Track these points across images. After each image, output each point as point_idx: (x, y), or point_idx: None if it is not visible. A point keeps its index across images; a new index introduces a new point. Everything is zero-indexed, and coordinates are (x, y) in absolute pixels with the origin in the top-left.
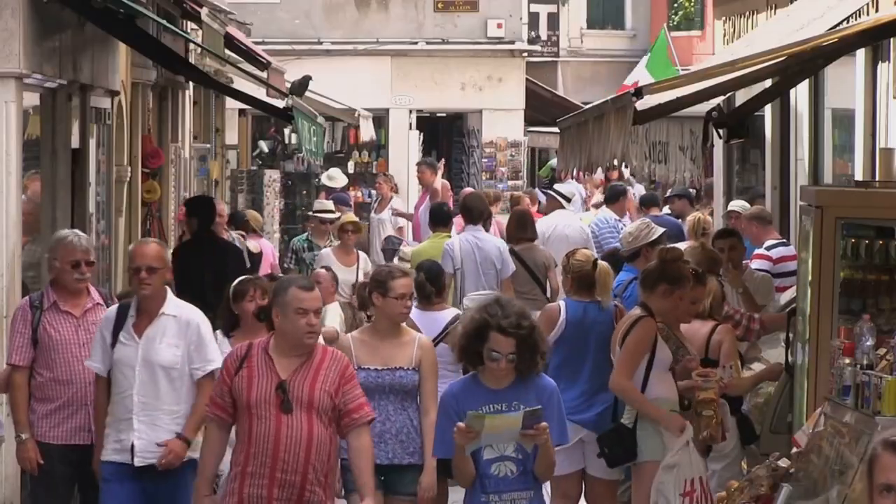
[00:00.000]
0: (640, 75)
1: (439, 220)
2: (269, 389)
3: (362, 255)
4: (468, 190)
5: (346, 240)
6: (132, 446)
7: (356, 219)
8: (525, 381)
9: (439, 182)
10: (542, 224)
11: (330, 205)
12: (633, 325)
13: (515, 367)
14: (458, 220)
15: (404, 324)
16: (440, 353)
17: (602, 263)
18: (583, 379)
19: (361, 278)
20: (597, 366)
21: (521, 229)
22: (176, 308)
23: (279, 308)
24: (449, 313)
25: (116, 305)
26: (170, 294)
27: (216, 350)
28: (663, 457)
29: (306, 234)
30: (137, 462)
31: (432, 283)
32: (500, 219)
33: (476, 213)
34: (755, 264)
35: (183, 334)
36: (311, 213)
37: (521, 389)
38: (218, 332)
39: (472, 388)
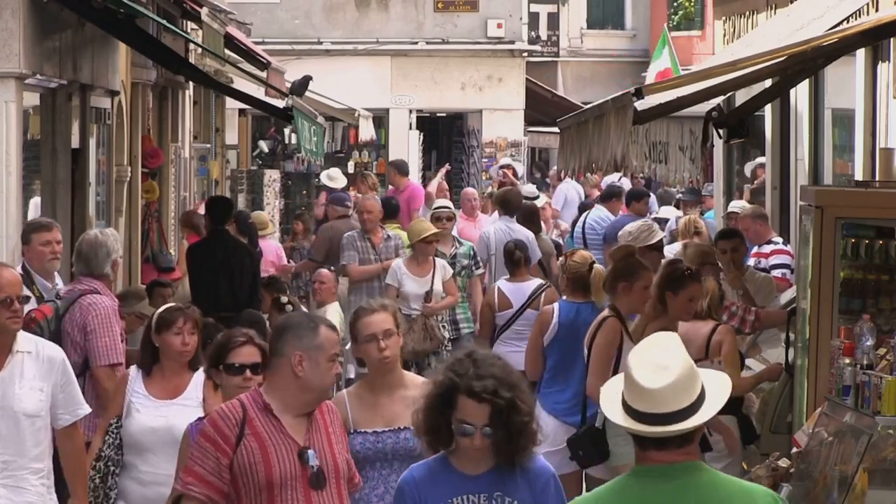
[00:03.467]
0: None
1: (389, 212)
2: (290, 461)
3: (439, 262)
4: (469, 190)
5: (424, 250)
6: None
7: (435, 228)
8: (511, 465)
9: (434, 185)
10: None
11: (448, 201)
12: (599, 328)
13: (494, 447)
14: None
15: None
16: (526, 317)
17: (598, 267)
18: (575, 381)
19: (438, 287)
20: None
21: (528, 222)
22: (29, 342)
23: (304, 352)
24: (534, 283)
25: None
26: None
27: (80, 392)
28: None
29: None
30: None
31: (521, 251)
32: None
33: (512, 206)
34: (779, 259)
35: (46, 374)
36: (433, 209)
37: (507, 476)
38: (132, 367)
39: (440, 474)
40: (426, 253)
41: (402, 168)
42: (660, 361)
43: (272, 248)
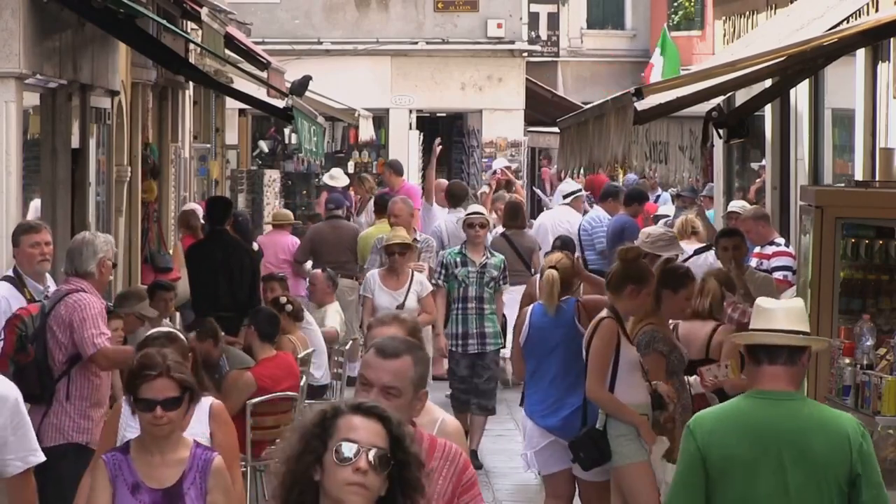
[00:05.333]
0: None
1: (382, 208)
2: None
3: (417, 276)
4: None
5: (393, 262)
6: None
7: (403, 238)
8: None
9: (431, 178)
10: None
11: (481, 207)
12: (596, 329)
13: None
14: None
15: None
16: None
17: (548, 272)
18: (549, 383)
19: (413, 303)
20: (562, 369)
21: (512, 218)
22: None
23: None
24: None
25: None
26: None
27: (34, 437)
28: (639, 459)
29: (461, 246)
30: None
31: (566, 246)
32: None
33: (458, 198)
34: (781, 261)
35: None
36: (465, 215)
37: None
38: (123, 399)
39: None
40: (391, 263)
41: (397, 168)
42: (781, 300)
43: (289, 242)
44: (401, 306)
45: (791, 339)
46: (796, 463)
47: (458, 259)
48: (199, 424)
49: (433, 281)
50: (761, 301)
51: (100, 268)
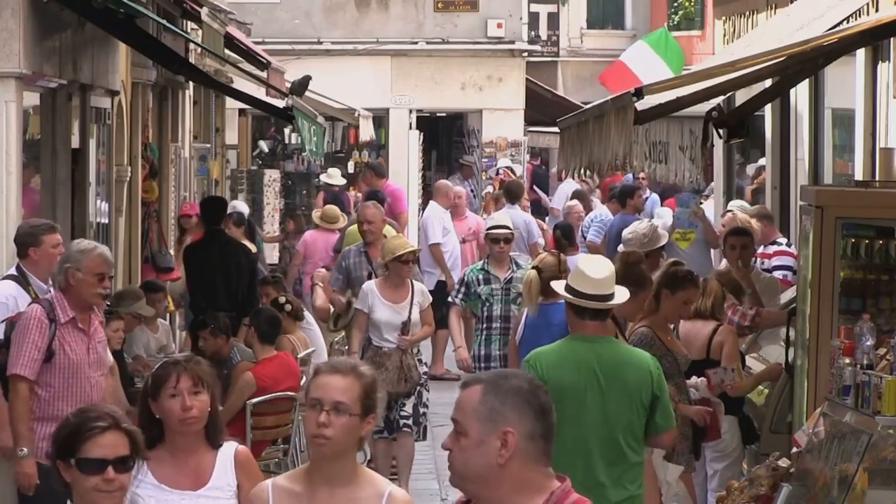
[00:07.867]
0: (640, 51)
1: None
2: None
3: (418, 286)
4: (458, 189)
5: (399, 271)
6: None
7: (412, 245)
8: None
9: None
10: None
11: (507, 219)
12: None
13: None
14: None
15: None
16: None
17: (529, 272)
18: None
19: (416, 317)
20: None
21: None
22: None
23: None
24: (579, 257)
25: None
26: None
27: None
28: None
29: (483, 262)
30: None
31: (566, 238)
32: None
33: (514, 195)
34: (782, 261)
35: None
36: (487, 229)
37: None
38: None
39: None
40: (401, 274)
41: (378, 170)
42: (597, 265)
43: (331, 239)
44: (406, 322)
45: (613, 302)
46: (614, 389)
47: (479, 276)
48: (224, 475)
49: (450, 298)
50: (581, 265)
51: (67, 277)
